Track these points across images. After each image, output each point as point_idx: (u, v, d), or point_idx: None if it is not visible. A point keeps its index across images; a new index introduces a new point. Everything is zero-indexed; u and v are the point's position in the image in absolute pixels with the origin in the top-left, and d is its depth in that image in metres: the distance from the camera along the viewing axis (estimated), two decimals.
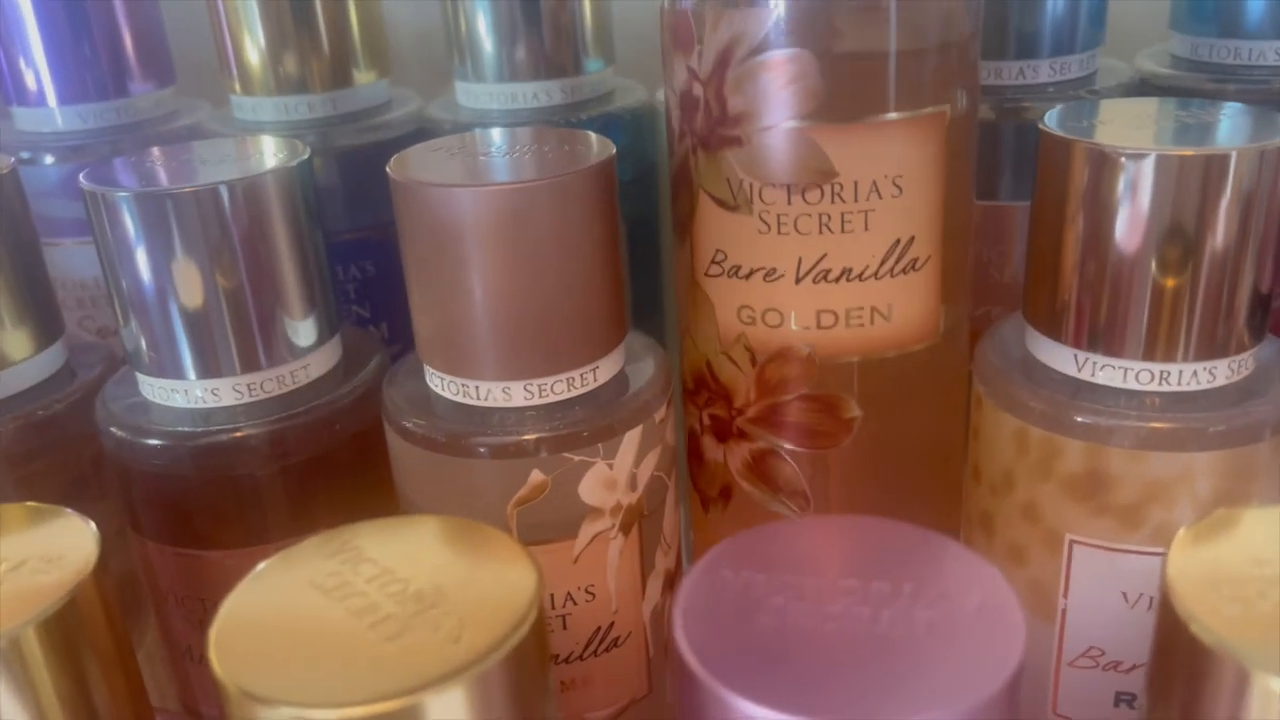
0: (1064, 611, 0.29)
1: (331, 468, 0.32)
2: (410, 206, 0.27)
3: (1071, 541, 0.28)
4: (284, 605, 0.20)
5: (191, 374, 0.30)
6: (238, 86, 0.39)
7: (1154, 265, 0.26)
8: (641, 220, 0.42)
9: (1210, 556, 0.20)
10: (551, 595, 0.29)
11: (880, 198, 0.27)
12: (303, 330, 0.31)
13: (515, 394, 0.28)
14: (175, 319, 0.29)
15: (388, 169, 0.28)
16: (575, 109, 0.39)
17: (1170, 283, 0.26)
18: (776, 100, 0.26)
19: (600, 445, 0.28)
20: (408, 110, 0.41)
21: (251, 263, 0.30)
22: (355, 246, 0.40)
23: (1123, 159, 0.26)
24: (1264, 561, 0.19)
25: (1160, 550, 0.24)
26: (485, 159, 0.29)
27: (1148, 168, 0.25)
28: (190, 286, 0.29)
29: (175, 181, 0.29)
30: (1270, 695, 0.17)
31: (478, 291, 0.27)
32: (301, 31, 0.38)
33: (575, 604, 0.30)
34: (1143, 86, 0.38)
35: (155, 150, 0.32)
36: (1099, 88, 0.37)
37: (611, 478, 0.29)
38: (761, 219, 0.27)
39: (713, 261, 0.29)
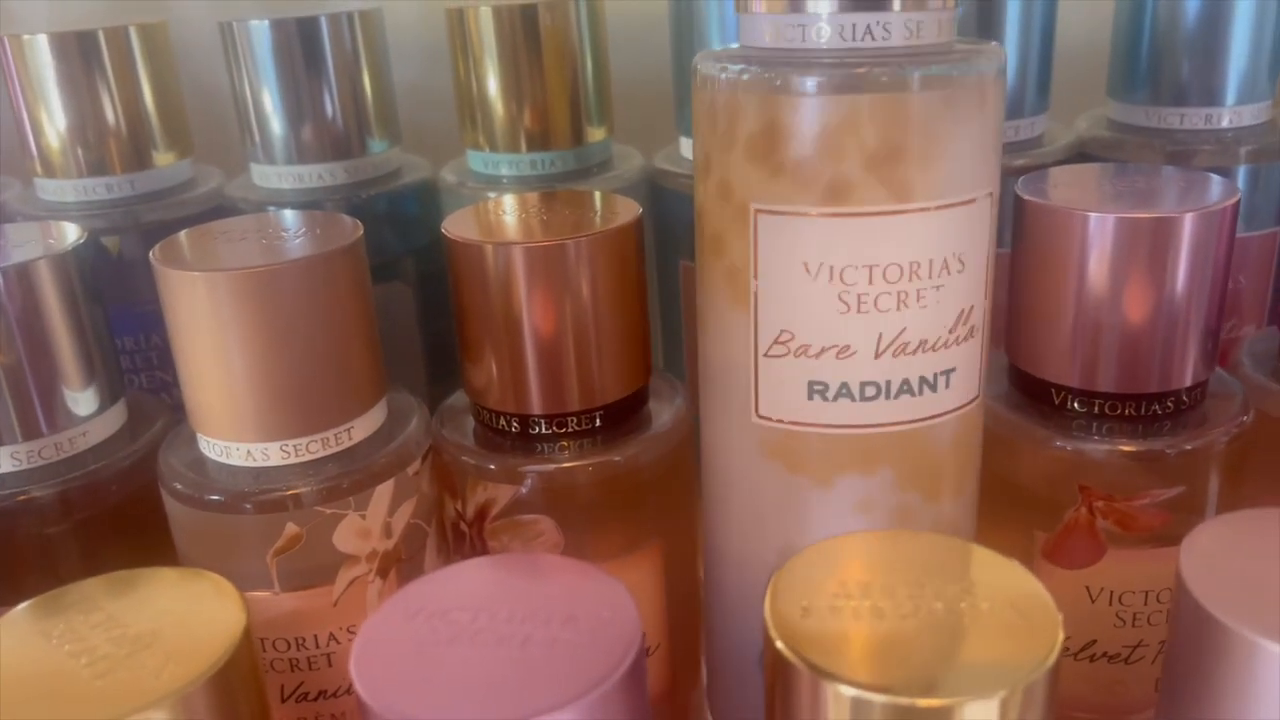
0: (756, 295, 0.28)
1: (118, 524, 0.34)
2: (167, 289, 0.30)
3: (756, 211, 0.27)
4: (12, 651, 0.23)
5: None
6: (39, 169, 0.42)
7: None
8: (435, 278, 0.45)
9: (807, 578, 0.24)
10: (315, 635, 0.32)
11: None
12: (82, 399, 0.34)
13: (273, 454, 0.31)
14: None
15: (150, 255, 0.31)
16: (362, 187, 0.43)
17: None
18: (526, 548, 0.33)
19: (352, 498, 0.32)
20: (207, 189, 0.44)
21: (27, 340, 0.32)
22: (159, 316, 0.42)
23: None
24: (847, 582, 0.23)
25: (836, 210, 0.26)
26: (244, 243, 0.32)
27: None
28: None
29: None
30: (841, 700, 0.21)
31: (232, 364, 0.30)
32: (99, 117, 0.41)
33: (338, 643, 0.33)
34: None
35: None
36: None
37: (365, 527, 0.32)
38: None
39: None
